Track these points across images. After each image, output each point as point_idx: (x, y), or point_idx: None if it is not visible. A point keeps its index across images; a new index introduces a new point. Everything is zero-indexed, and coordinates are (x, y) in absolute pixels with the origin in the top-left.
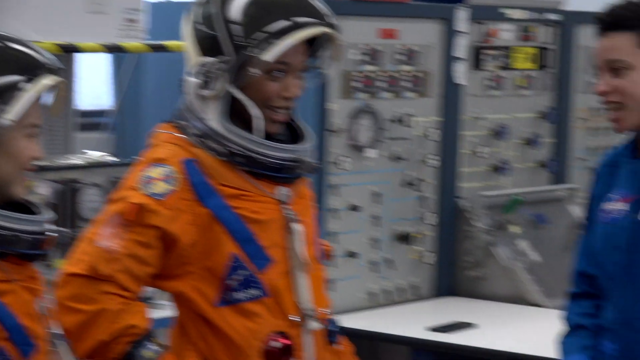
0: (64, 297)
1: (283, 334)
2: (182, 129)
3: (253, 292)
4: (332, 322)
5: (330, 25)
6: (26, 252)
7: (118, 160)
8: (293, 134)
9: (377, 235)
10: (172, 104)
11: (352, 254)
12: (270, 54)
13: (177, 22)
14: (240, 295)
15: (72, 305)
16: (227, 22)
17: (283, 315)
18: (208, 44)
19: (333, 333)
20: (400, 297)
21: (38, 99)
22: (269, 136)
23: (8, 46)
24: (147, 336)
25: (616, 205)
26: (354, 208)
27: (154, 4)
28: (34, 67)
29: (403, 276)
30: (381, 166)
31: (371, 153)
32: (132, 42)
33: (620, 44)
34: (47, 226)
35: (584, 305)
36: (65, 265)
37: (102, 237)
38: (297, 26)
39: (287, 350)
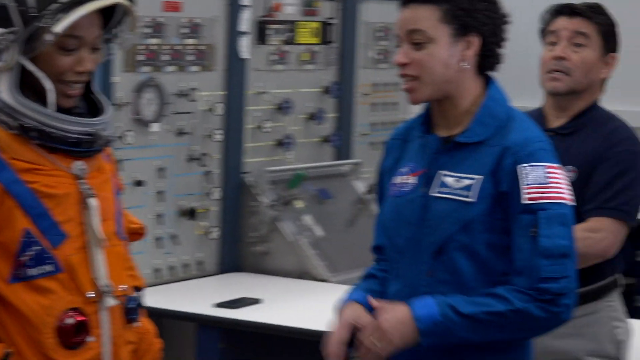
0: None
1: (78, 311)
2: None
3: (46, 268)
4: (132, 299)
5: None
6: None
7: None
8: (92, 107)
9: (161, 210)
10: None
11: None
12: (60, 26)
13: None
14: (33, 271)
15: None
16: None
17: (79, 292)
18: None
19: (132, 310)
20: (185, 273)
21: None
22: (65, 110)
23: None
24: None
25: (406, 179)
26: (139, 183)
27: None
28: None
29: (188, 252)
30: (166, 141)
31: (155, 127)
32: None
33: (423, 16)
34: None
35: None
36: None
37: None
38: (76, 2)
39: (82, 326)
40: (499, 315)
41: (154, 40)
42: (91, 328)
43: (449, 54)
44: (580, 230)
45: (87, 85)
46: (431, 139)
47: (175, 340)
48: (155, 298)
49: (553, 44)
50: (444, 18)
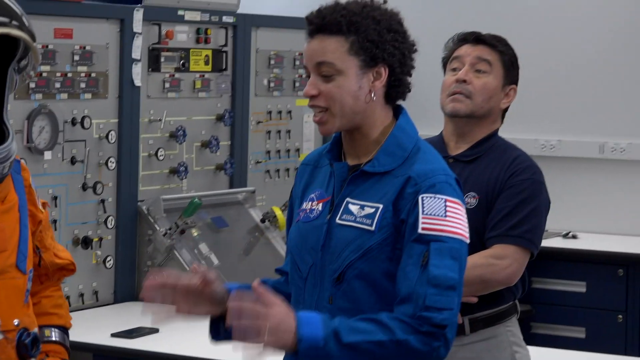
0: None
1: None
2: None
3: None
4: (27, 334)
5: (14, 27)
6: None
7: None
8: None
9: (56, 239)
10: None
11: None
12: None
13: None
14: None
15: None
16: None
17: None
18: None
19: (26, 346)
20: (81, 303)
21: None
22: None
23: None
24: None
25: (313, 206)
26: None
27: None
28: None
29: (83, 281)
30: (59, 169)
31: (48, 155)
32: None
33: (331, 48)
34: None
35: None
36: None
37: None
38: None
39: None
40: (379, 345)
41: (45, 67)
42: None
43: (358, 86)
44: (485, 257)
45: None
46: (338, 167)
47: None
48: None
49: (455, 69)
50: (352, 50)
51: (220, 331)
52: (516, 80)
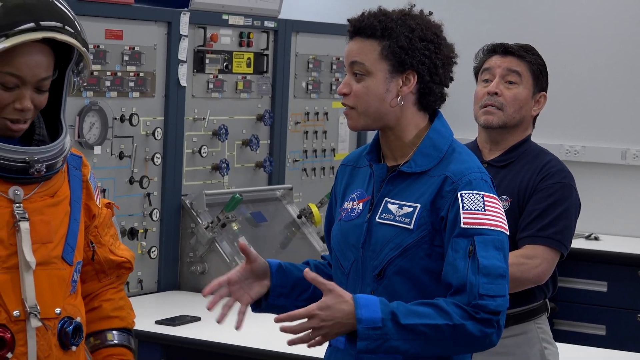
0: None
1: (4, 327)
2: None
3: None
4: (69, 323)
5: (67, 32)
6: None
7: None
8: (54, 134)
9: None
10: None
11: None
12: None
13: None
14: None
15: None
16: None
17: (5, 310)
18: None
19: (67, 334)
20: (127, 291)
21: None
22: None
23: None
24: None
25: (354, 205)
26: None
27: None
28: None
29: None
30: (108, 163)
31: (98, 150)
32: None
33: (365, 50)
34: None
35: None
36: None
37: None
38: (14, 33)
39: (1, 342)
40: (436, 329)
41: (96, 67)
42: (16, 346)
43: (385, 89)
44: (516, 257)
45: (57, 112)
46: (378, 168)
47: None
48: None
49: (487, 81)
50: (383, 54)
51: (261, 304)
52: (545, 87)
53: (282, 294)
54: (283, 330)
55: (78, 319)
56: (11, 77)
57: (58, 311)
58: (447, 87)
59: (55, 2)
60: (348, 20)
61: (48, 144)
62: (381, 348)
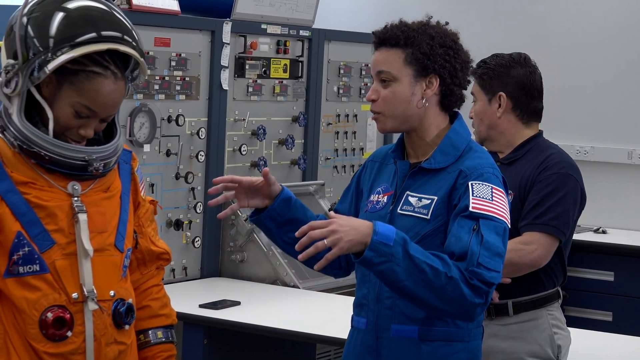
0: None
1: (63, 308)
2: None
3: (34, 267)
4: (122, 304)
5: (126, 43)
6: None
7: None
8: (109, 134)
9: None
10: None
11: None
12: (53, 64)
13: None
14: (22, 269)
15: None
16: (22, 31)
17: (64, 292)
18: (11, 49)
19: (120, 315)
20: (172, 277)
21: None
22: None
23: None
24: None
25: (379, 198)
26: None
27: None
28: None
29: (175, 258)
30: (156, 160)
31: (147, 148)
32: None
33: (390, 58)
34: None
35: None
36: None
37: None
38: (78, 43)
39: (62, 322)
40: (434, 271)
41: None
42: (74, 325)
43: (411, 92)
44: (515, 243)
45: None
46: (401, 164)
47: None
48: None
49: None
50: (407, 60)
51: (259, 214)
52: (502, 86)
53: (274, 218)
54: (300, 233)
55: (130, 300)
56: (86, 110)
57: (112, 293)
58: (466, 89)
59: (115, 13)
60: (373, 32)
61: (103, 144)
62: (382, 266)
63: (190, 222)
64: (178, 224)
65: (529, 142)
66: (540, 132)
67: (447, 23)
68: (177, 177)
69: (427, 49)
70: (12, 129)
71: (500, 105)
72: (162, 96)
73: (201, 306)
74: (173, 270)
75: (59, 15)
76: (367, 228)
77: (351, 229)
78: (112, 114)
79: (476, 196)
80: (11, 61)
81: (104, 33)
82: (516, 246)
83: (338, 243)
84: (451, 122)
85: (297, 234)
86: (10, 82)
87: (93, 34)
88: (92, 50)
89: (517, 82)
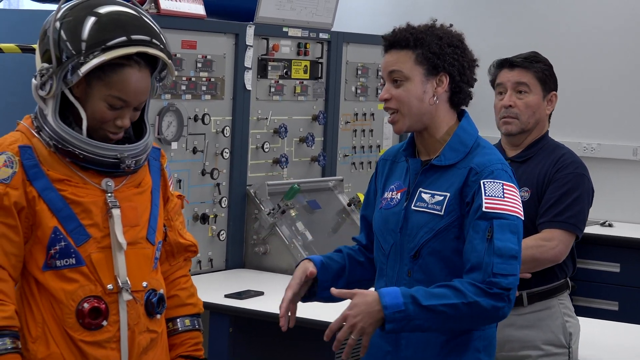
0: None
1: (99, 299)
2: (32, 121)
3: (70, 261)
4: (154, 294)
5: (154, 46)
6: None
7: None
8: (139, 132)
9: None
10: (7, 97)
11: None
12: (84, 68)
13: (6, 25)
14: (59, 262)
15: None
16: (56, 36)
17: (99, 284)
18: (45, 53)
19: (152, 305)
20: (199, 269)
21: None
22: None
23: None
24: None
25: (393, 195)
26: None
27: None
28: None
29: (201, 250)
30: (183, 157)
31: (175, 146)
32: None
33: (401, 59)
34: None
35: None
36: None
37: None
38: (109, 47)
39: (97, 312)
40: (454, 307)
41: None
42: (109, 315)
43: (422, 90)
44: (536, 240)
45: (142, 114)
46: (413, 162)
47: None
48: None
49: (501, 93)
50: (417, 60)
51: (310, 297)
52: (554, 86)
53: (326, 287)
54: (335, 348)
55: (161, 291)
56: (119, 101)
57: (145, 284)
58: (473, 87)
59: (144, 17)
60: (382, 36)
61: (134, 142)
62: (407, 327)
63: (215, 216)
64: (204, 218)
65: (541, 141)
66: (546, 132)
67: (451, 25)
68: (203, 173)
69: (437, 49)
70: (47, 129)
71: (552, 103)
72: (188, 96)
73: (226, 296)
74: (199, 262)
75: (91, 20)
76: (376, 305)
77: (364, 315)
78: (143, 101)
79: (488, 195)
80: (45, 65)
81: (134, 37)
82: (537, 242)
83: (364, 332)
84: (459, 120)
85: (325, 338)
86: (45, 85)
87: (123, 38)
88: (123, 54)
89: (556, 86)
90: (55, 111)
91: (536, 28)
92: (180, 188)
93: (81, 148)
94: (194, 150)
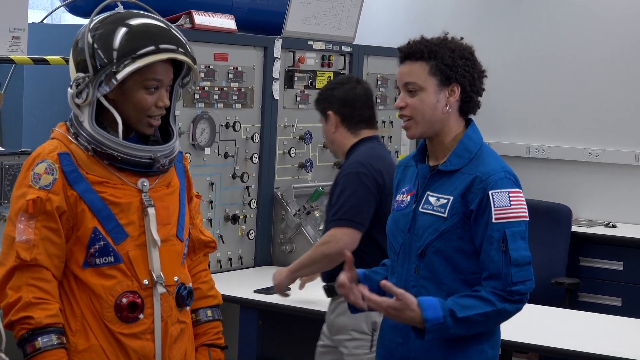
0: (3, 283)
1: (135, 294)
2: (68, 129)
3: (109, 259)
4: (183, 288)
5: (180, 53)
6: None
7: (4, 150)
8: (165, 135)
9: (211, 216)
10: (46, 106)
11: None
12: (122, 73)
13: (50, 39)
14: (99, 260)
15: (5, 291)
16: (90, 46)
17: (136, 279)
18: (80, 63)
19: (182, 297)
20: (229, 266)
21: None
22: (144, 136)
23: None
24: (44, 330)
25: (403, 198)
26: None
27: (30, 24)
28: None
29: (232, 249)
30: (215, 161)
31: (207, 151)
32: (19, 55)
33: (415, 70)
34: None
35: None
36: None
37: (18, 233)
38: (140, 56)
39: (134, 306)
40: (485, 315)
41: (207, 83)
42: (145, 308)
43: (436, 100)
44: (323, 238)
45: (166, 117)
46: (422, 167)
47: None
48: None
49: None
50: (431, 71)
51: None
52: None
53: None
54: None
55: (190, 285)
56: (154, 82)
57: (176, 279)
58: (481, 96)
59: (172, 30)
60: (398, 48)
61: (163, 144)
62: (444, 337)
63: (245, 216)
64: (234, 219)
65: (352, 148)
66: (369, 137)
67: (462, 38)
68: (233, 176)
69: (449, 61)
70: (85, 134)
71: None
72: (220, 105)
73: (255, 291)
74: (230, 259)
75: (122, 31)
76: (418, 318)
77: (405, 321)
78: (171, 78)
79: (497, 206)
80: (81, 74)
81: (162, 46)
82: (324, 240)
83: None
84: (466, 128)
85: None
86: (81, 93)
87: (152, 47)
88: (153, 61)
89: (339, 100)
90: (91, 117)
91: (542, 38)
92: (213, 191)
93: (118, 150)
94: (226, 155)
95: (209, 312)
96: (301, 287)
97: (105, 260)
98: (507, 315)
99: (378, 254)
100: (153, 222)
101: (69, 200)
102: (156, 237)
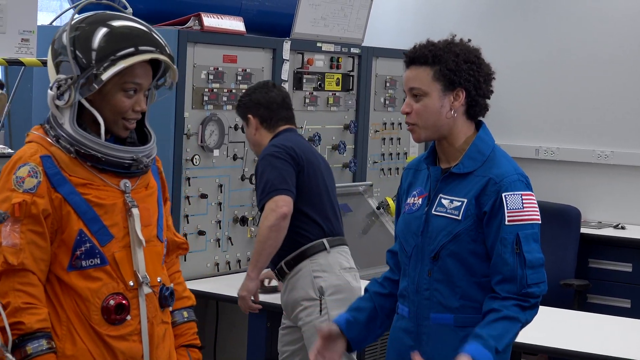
0: None
1: (121, 295)
2: (46, 131)
3: (95, 261)
4: (166, 289)
5: (162, 54)
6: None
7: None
8: (142, 137)
9: (220, 218)
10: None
11: (201, 232)
12: (106, 74)
13: None
14: (84, 263)
15: None
16: (72, 49)
17: (122, 281)
18: (58, 64)
19: (165, 298)
20: (238, 267)
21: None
22: (120, 139)
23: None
24: (33, 335)
25: (415, 200)
26: (203, 196)
27: (39, 27)
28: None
29: (240, 250)
30: (224, 163)
31: (216, 153)
32: (28, 57)
33: (419, 76)
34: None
35: (382, 278)
36: None
37: (4, 237)
38: (120, 57)
39: (121, 307)
40: (516, 334)
41: (216, 85)
42: (131, 309)
43: (440, 105)
44: (262, 215)
45: (142, 120)
46: (434, 170)
47: (230, 319)
48: (215, 286)
49: None
50: (435, 76)
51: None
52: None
53: (360, 341)
54: None
55: (171, 285)
56: (132, 84)
57: (159, 279)
58: (489, 99)
59: (152, 33)
60: (403, 52)
61: (141, 145)
62: None
63: (254, 218)
64: (243, 220)
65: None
66: (285, 129)
67: (469, 40)
68: (242, 178)
69: (453, 66)
70: (66, 136)
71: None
72: (229, 107)
73: (262, 292)
74: (239, 260)
75: (102, 32)
76: None
77: None
78: (150, 83)
79: (510, 209)
80: (62, 76)
81: (141, 48)
82: (262, 217)
83: None
84: (477, 130)
85: None
86: (63, 95)
87: (132, 49)
88: (134, 62)
89: (256, 104)
90: (72, 119)
91: (551, 39)
92: (221, 192)
93: (101, 151)
94: (234, 157)
95: (185, 313)
96: (268, 283)
97: (91, 262)
98: (527, 324)
99: (314, 227)
100: (137, 222)
101: (54, 203)
102: (141, 237)
